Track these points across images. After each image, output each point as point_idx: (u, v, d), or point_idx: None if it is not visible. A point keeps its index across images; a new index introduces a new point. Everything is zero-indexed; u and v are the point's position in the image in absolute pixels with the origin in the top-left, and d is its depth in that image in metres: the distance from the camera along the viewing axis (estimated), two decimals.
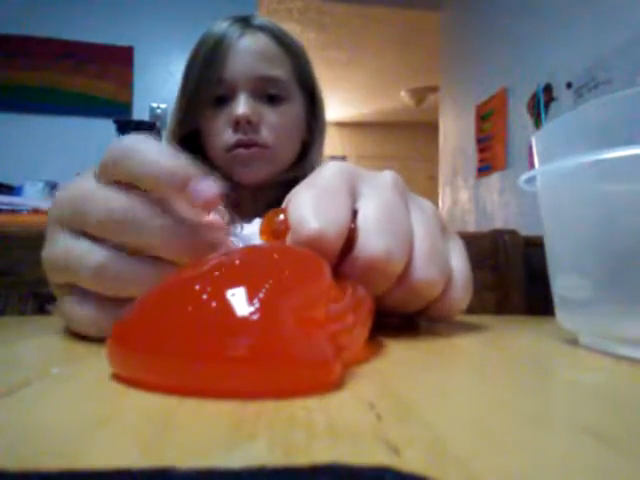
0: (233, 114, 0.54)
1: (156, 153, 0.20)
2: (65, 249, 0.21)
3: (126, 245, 0.20)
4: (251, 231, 0.58)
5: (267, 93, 0.56)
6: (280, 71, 0.56)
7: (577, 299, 0.22)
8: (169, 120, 0.61)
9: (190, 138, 0.59)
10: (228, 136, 0.55)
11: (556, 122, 0.23)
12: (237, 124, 0.54)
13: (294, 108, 0.58)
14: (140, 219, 0.20)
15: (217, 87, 0.55)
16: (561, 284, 0.23)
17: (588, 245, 0.21)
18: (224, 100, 0.55)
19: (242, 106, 0.53)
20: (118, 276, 0.20)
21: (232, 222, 0.58)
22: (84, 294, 0.21)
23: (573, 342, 0.23)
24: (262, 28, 0.58)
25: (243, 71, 0.54)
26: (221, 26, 0.57)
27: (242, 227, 0.58)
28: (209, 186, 0.20)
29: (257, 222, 0.59)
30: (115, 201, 0.20)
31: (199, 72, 0.56)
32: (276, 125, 0.56)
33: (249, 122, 0.54)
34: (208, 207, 0.20)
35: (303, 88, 0.60)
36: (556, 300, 0.24)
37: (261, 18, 0.60)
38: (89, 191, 0.21)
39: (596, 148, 0.19)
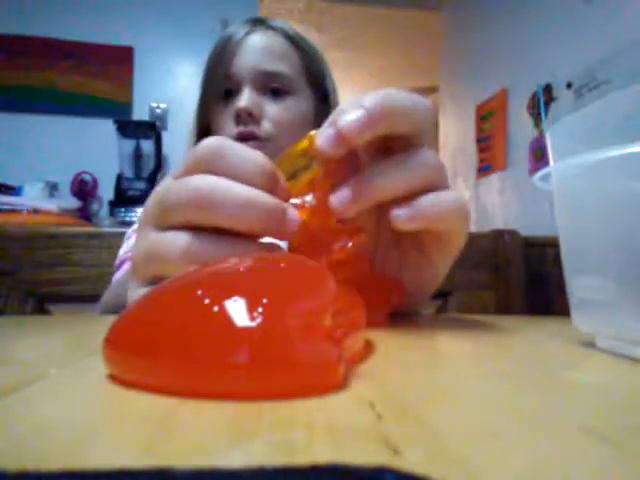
0: (235, 107, 0.55)
1: (250, 151, 0.23)
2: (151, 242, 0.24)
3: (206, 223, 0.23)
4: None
5: (270, 87, 0.57)
6: (284, 66, 0.57)
7: (598, 300, 0.21)
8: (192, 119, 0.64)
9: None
10: (231, 129, 0.56)
11: (574, 116, 0.22)
12: (239, 117, 0.55)
13: (299, 103, 0.59)
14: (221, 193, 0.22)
15: (224, 82, 0.57)
16: (580, 285, 0.22)
17: (612, 244, 0.20)
18: (231, 95, 0.57)
19: (244, 99, 0.55)
20: (201, 255, 0.22)
21: None
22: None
23: (587, 344, 0.23)
24: (273, 27, 0.60)
25: (248, 66, 0.56)
26: (234, 27, 0.59)
27: None
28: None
29: None
30: (198, 182, 0.22)
31: (209, 69, 0.58)
32: (278, 117, 0.56)
33: (250, 114, 0.55)
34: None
35: (314, 86, 0.61)
36: (572, 301, 0.23)
37: (276, 20, 0.62)
38: (168, 184, 0.23)
39: (618, 143, 0.18)
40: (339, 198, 0.24)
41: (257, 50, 0.57)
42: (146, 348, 0.14)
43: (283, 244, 0.25)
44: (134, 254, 0.25)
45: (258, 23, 0.60)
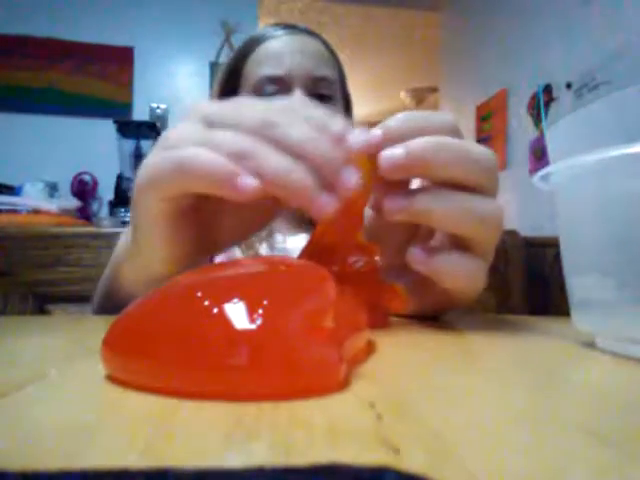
0: None
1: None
2: None
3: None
4: (294, 245, 0.57)
5: (318, 93, 0.56)
6: (330, 73, 0.58)
7: (598, 300, 0.21)
8: None
9: None
10: None
11: (574, 116, 0.22)
12: None
13: (338, 110, 0.60)
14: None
15: (273, 83, 0.56)
16: (580, 284, 0.22)
17: (612, 244, 0.20)
18: (274, 94, 0.56)
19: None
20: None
21: (274, 233, 0.58)
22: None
23: (587, 344, 0.23)
24: (309, 33, 0.60)
25: (299, 69, 0.55)
26: (268, 29, 0.59)
27: (285, 239, 0.57)
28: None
29: (302, 237, 0.58)
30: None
31: (253, 69, 0.57)
32: None
33: None
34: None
35: (343, 93, 0.62)
36: (572, 301, 0.23)
37: (303, 25, 0.62)
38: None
39: (618, 143, 0.18)
40: (390, 154, 0.24)
41: (305, 54, 0.56)
42: (145, 349, 0.14)
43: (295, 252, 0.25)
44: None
45: (292, 27, 0.59)
